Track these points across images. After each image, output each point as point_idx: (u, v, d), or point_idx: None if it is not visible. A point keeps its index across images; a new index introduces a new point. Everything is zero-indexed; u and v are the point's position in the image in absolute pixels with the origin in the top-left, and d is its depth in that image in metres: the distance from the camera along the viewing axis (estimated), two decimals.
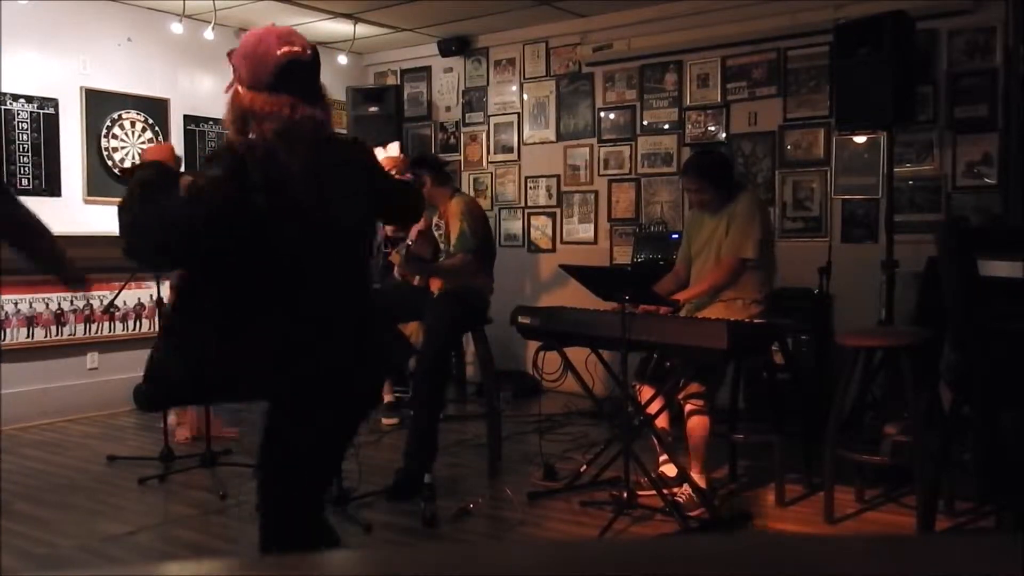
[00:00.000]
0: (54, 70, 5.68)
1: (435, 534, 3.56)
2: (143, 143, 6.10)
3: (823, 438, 3.71)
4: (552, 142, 6.80)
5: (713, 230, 3.94)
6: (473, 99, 7.20)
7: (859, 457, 3.73)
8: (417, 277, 4.51)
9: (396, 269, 4.69)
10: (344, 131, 7.38)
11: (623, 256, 6.31)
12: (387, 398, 5.73)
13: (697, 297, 3.90)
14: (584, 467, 4.14)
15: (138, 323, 6.06)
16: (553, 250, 6.78)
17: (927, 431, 3.54)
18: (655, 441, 3.97)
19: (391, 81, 7.49)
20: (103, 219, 5.92)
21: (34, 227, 2.69)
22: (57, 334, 5.68)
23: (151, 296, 5.74)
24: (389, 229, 5.44)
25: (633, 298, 3.62)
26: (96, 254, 5.84)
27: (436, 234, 4.57)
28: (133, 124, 6.05)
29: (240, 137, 2.06)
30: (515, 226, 6.94)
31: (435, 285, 4.45)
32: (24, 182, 5.54)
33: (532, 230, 6.91)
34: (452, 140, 7.28)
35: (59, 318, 5.69)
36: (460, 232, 4.36)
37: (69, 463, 4.66)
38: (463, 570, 0.59)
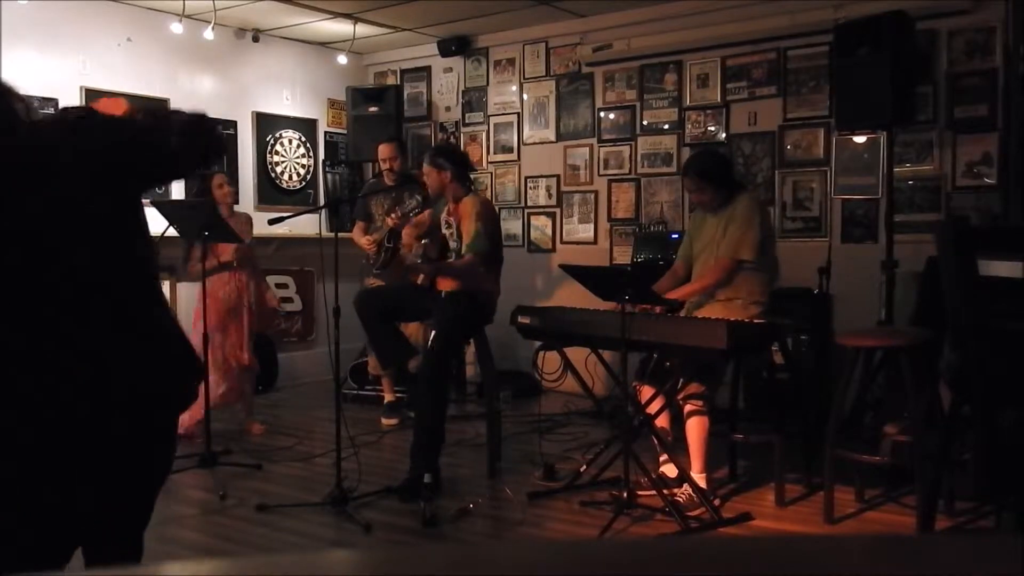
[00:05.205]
0: (54, 70, 5.68)
1: (435, 534, 3.56)
2: None
3: (823, 438, 3.72)
4: (552, 142, 6.79)
5: (714, 230, 3.94)
6: (473, 99, 7.20)
7: (859, 457, 3.73)
8: (421, 276, 4.45)
9: (406, 274, 4.59)
10: (344, 131, 7.39)
11: (623, 256, 6.31)
12: (388, 397, 5.72)
13: (690, 296, 3.90)
14: (584, 467, 4.14)
15: None
16: (553, 250, 6.78)
17: (927, 431, 3.54)
18: (655, 441, 3.97)
19: (391, 81, 7.49)
20: None
21: None
22: None
23: None
24: (391, 220, 5.40)
25: (633, 298, 3.62)
26: None
27: (447, 232, 4.50)
28: None
29: None
30: (515, 226, 6.93)
31: (444, 285, 4.39)
32: None
33: (532, 230, 6.91)
34: (452, 140, 7.27)
35: None
36: (476, 232, 4.25)
37: None
38: (463, 570, 0.59)
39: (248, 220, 5.16)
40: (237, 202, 5.35)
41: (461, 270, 4.31)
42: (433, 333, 4.35)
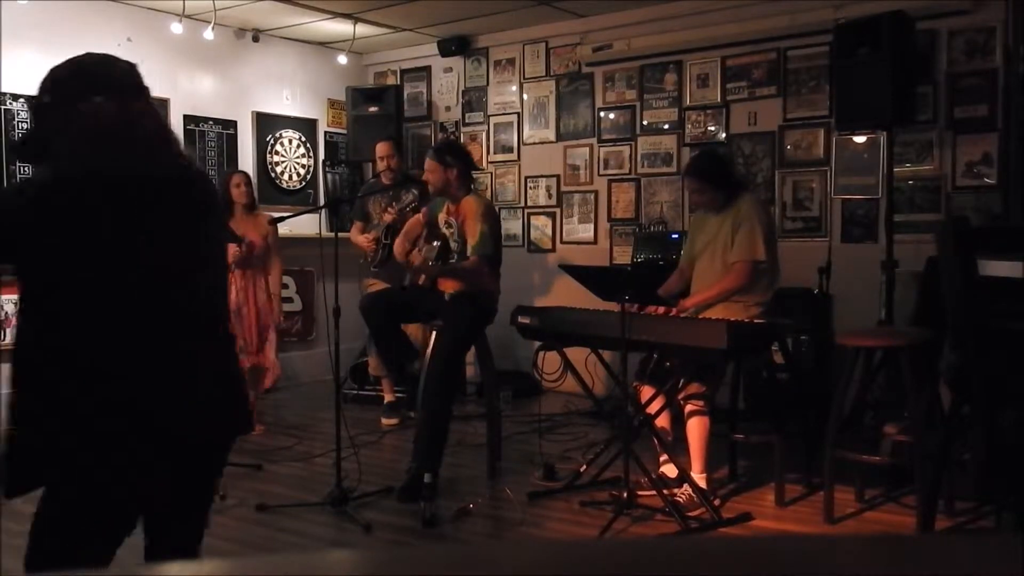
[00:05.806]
0: None
1: (435, 534, 3.56)
2: None
3: (823, 438, 3.71)
4: (552, 142, 6.80)
5: (716, 230, 3.93)
6: (473, 99, 7.20)
7: (859, 457, 3.73)
8: (422, 276, 4.44)
9: (410, 276, 4.57)
10: (344, 131, 7.39)
11: (623, 256, 6.31)
12: (388, 397, 5.72)
13: (708, 301, 3.86)
14: (584, 467, 4.14)
15: None
16: (553, 250, 6.78)
17: (927, 431, 3.54)
18: (655, 441, 3.97)
19: (391, 81, 7.49)
20: None
21: None
22: None
23: None
24: (388, 216, 5.39)
25: (633, 298, 3.62)
26: None
27: (448, 232, 4.48)
28: None
29: None
30: (515, 226, 6.93)
31: (448, 286, 4.37)
32: None
33: (532, 230, 6.91)
34: (452, 140, 7.27)
35: None
36: (481, 234, 4.22)
37: None
38: (463, 570, 0.59)
39: (271, 221, 5.14)
40: (253, 202, 5.32)
41: (467, 272, 4.29)
42: (435, 334, 4.34)
